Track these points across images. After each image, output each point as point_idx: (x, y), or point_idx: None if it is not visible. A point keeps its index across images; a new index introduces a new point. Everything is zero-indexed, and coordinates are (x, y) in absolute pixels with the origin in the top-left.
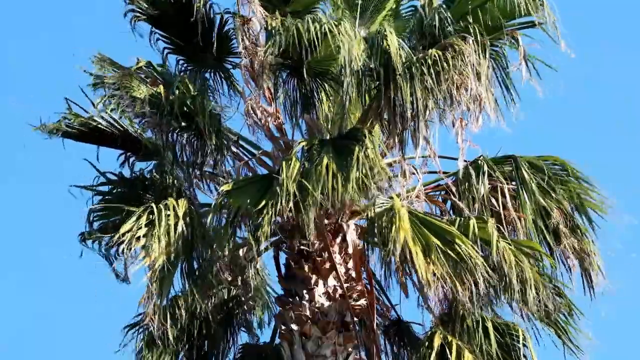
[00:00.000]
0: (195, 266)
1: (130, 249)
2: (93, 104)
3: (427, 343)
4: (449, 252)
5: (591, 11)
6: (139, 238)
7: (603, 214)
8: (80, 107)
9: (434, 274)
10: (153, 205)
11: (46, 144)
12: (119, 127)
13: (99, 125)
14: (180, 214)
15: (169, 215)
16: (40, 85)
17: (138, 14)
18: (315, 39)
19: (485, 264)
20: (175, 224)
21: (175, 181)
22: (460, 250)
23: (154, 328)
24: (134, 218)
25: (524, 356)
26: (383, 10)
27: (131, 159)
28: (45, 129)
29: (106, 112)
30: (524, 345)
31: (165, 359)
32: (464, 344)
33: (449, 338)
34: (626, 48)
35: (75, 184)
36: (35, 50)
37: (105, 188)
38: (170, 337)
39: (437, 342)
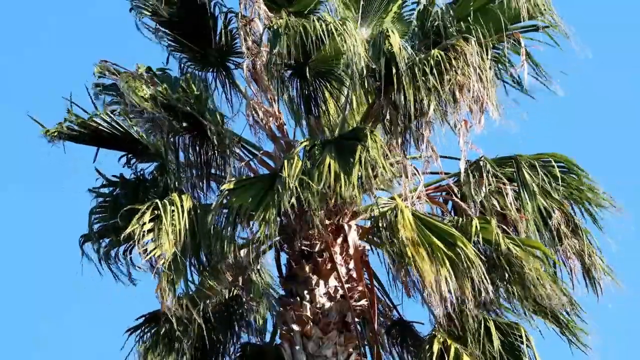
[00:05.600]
0: (203, 262)
1: (138, 243)
2: (96, 107)
3: (427, 347)
4: (451, 253)
5: (593, 12)
6: (144, 233)
7: (603, 209)
8: (81, 107)
9: (436, 275)
10: (157, 201)
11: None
12: (120, 128)
13: (100, 127)
14: (186, 209)
15: (174, 211)
16: (40, 87)
17: (142, 13)
18: (319, 39)
19: (485, 267)
20: (181, 219)
21: (177, 182)
22: (461, 252)
23: (170, 317)
24: (138, 215)
25: (527, 356)
26: (386, 11)
27: (132, 160)
28: (48, 133)
29: (107, 115)
30: (527, 345)
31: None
32: (462, 348)
33: (449, 342)
34: (628, 48)
35: (76, 185)
36: (34, 53)
37: (106, 190)
38: (199, 320)
39: (436, 346)
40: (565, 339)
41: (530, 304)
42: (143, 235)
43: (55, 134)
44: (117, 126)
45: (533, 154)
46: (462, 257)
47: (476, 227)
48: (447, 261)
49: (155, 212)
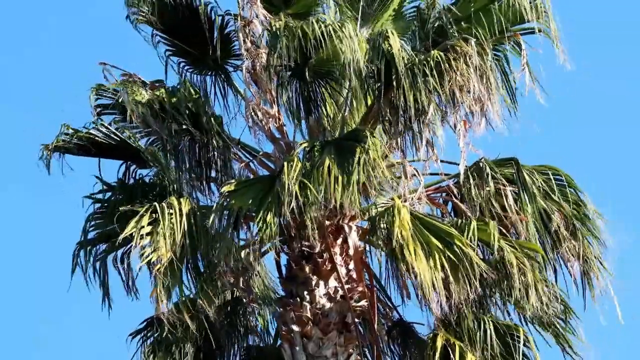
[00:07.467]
0: (200, 266)
1: (136, 247)
2: (94, 122)
3: (430, 345)
4: (449, 254)
5: (593, 14)
6: (142, 237)
7: (600, 223)
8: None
9: (434, 276)
10: (156, 204)
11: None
12: (117, 137)
13: (97, 138)
14: (184, 212)
15: (172, 214)
16: (40, 87)
17: (139, 17)
18: (319, 40)
19: (484, 267)
20: (179, 222)
21: (176, 185)
22: (460, 253)
23: (164, 322)
24: (136, 218)
25: (526, 357)
26: (385, 12)
27: (132, 168)
28: (47, 149)
29: (103, 125)
30: (526, 346)
31: None
32: (466, 346)
33: (452, 340)
34: (628, 53)
35: (76, 189)
36: (34, 53)
37: (104, 195)
38: (191, 326)
39: (439, 343)
40: (560, 347)
41: (523, 311)
42: (141, 239)
43: (53, 148)
44: (113, 136)
45: (533, 165)
46: (461, 256)
47: (474, 229)
48: (444, 261)
49: (154, 215)
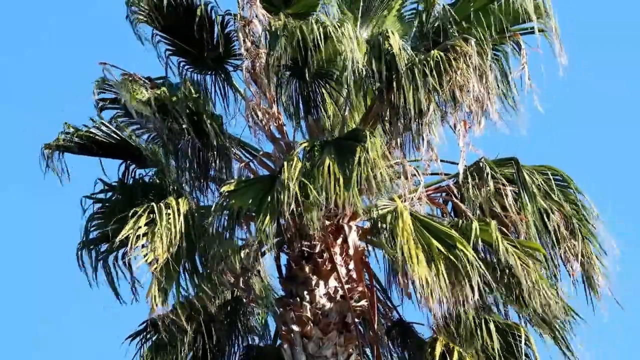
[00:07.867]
0: (199, 266)
1: (132, 248)
2: (93, 120)
3: (429, 350)
4: (451, 257)
5: (593, 14)
6: (138, 237)
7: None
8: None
9: (435, 280)
10: (153, 204)
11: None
12: (117, 137)
13: (97, 137)
14: (182, 212)
15: (169, 214)
16: (40, 87)
17: (139, 17)
18: (318, 40)
19: (485, 269)
20: (177, 222)
21: (176, 185)
22: (461, 255)
23: (160, 324)
24: (134, 219)
25: (527, 356)
26: (385, 12)
27: (131, 167)
28: (49, 148)
29: (104, 124)
30: (527, 345)
31: None
32: (465, 350)
33: (451, 345)
34: (628, 53)
35: (76, 189)
36: (34, 53)
37: (104, 195)
38: (189, 329)
39: (439, 349)
40: (559, 347)
41: (526, 311)
42: (137, 239)
43: (54, 147)
44: (114, 135)
45: (533, 165)
46: (461, 258)
47: (476, 229)
48: (444, 263)
49: (151, 215)
